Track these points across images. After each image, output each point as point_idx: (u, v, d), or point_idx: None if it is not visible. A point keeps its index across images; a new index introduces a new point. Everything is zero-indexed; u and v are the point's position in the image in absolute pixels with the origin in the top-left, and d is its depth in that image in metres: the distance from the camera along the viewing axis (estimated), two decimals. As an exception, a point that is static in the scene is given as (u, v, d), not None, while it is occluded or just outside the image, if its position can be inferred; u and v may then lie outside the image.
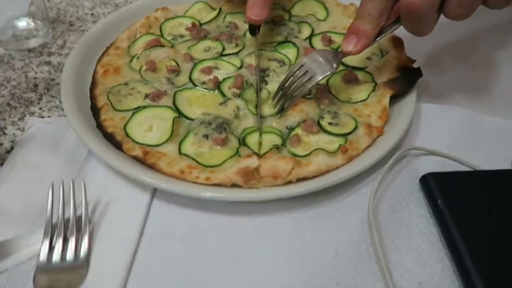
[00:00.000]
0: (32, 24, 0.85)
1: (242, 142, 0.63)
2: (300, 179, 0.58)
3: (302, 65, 0.65)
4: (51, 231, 0.52)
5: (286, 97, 0.66)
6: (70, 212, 0.53)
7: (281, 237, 0.54)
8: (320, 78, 0.64)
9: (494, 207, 0.56)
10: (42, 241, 0.52)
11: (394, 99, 0.69)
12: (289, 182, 0.57)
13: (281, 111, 0.66)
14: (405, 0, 0.57)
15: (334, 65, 0.65)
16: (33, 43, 0.84)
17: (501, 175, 0.60)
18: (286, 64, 0.76)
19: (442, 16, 0.60)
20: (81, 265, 0.51)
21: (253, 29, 0.77)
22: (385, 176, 0.60)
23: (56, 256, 0.51)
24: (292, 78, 0.65)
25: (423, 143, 0.65)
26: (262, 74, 0.73)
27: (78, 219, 0.54)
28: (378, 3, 0.61)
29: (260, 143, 0.63)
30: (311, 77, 0.64)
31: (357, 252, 0.53)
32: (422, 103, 0.71)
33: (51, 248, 0.51)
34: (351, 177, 0.58)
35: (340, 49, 0.66)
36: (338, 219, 0.56)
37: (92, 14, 0.93)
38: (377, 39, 0.65)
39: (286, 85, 0.66)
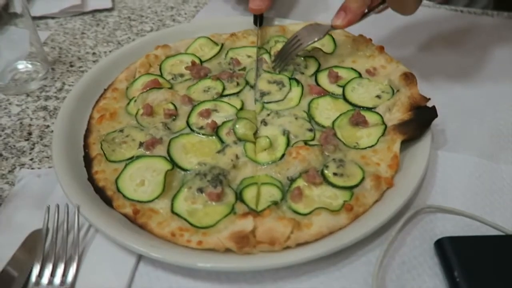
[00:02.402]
0: (31, 66, 0.82)
1: (239, 196, 0.57)
2: (300, 244, 0.50)
3: (296, 36, 0.75)
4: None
5: (283, 59, 0.75)
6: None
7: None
8: (307, 44, 0.73)
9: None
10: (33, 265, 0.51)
11: (406, 143, 0.61)
12: (287, 247, 0.50)
13: (280, 69, 0.75)
14: None
15: (321, 36, 0.73)
16: (33, 86, 0.81)
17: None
18: (285, 86, 0.72)
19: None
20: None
21: (256, 19, 0.84)
22: (394, 239, 0.52)
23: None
24: (287, 46, 0.75)
25: (438, 198, 0.57)
26: (262, 96, 0.71)
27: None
28: None
29: (257, 197, 0.56)
30: (301, 43, 0.74)
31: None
32: (437, 150, 0.63)
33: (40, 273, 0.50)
34: (355, 242, 0.50)
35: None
36: (338, 292, 0.49)
37: (93, 53, 0.89)
38: (364, 17, 0.71)
39: (283, 51, 0.76)
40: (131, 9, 1.04)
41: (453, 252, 0.49)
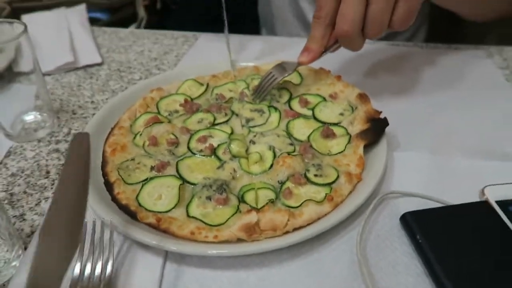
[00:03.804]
0: (39, 116, 0.92)
1: (241, 199, 0.69)
2: (296, 229, 0.63)
3: (270, 73, 0.90)
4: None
5: (261, 92, 0.89)
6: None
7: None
8: (281, 78, 0.88)
9: (468, 236, 0.62)
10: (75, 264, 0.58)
11: (368, 147, 0.76)
12: (287, 232, 0.62)
13: (259, 100, 0.89)
14: (337, 28, 0.79)
15: (290, 71, 0.89)
16: (41, 133, 0.90)
17: (471, 207, 0.66)
18: (265, 112, 0.87)
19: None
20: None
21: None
22: (368, 218, 0.66)
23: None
24: (264, 81, 0.89)
25: (398, 186, 0.72)
26: (247, 122, 0.85)
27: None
28: (321, 30, 0.82)
29: (256, 199, 0.68)
30: (276, 78, 0.88)
31: (351, 290, 0.57)
32: (393, 152, 0.79)
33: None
34: (339, 222, 0.63)
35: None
36: (330, 263, 0.61)
37: (92, 102, 1.01)
38: (323, 54, 0.86)
39: (261, 86, 0.90)
40: (119, 62, 1.17)
41: (414, 222, 0.63)
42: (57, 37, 1.21)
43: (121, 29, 1.35)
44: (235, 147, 0.76)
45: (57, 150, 0.86)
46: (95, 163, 0.78)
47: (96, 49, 1.20)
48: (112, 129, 0.86)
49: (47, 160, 0.84)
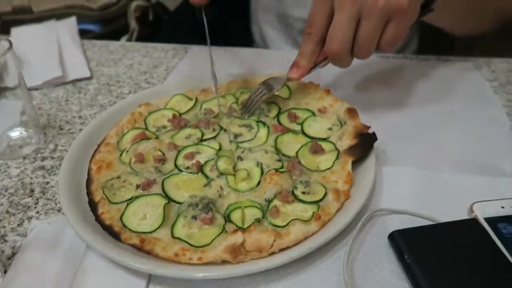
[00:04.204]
0: (25, 132, 0.90)
1: (227, 218, 0.67)
2: (282, 249, 0.61)
3: (259, 88, 0.89)
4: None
5: (250, 107, 0.88)
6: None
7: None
8: (270, 93, 0.88)
9: (457, 254, 0.60)
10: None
11: (356, 163, 0.75)
12: (273, 253, 0.61)
13: (248, 115, 0.88)
14: (327, 47, 0.79)
15: (279, 87, 0.88)
16: (27, 150, 0.89)
17: (459, 224, 0.64)
18: (254, 127, 0.85)
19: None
20: None
21: (200, 16, 0.80)
22: (356, 237, 0.64)
23: None
24: (253, 96, 0.88)
25: (387, 203, 0.71)
26: (235, 138, 0.84)
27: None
28: (311, 47, 0.82)
29: (243, 218, 0.67)
30: (265, 93, 0.88)
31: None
32: (382, 167, 0.78)
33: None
34: (326, 242, 0.62)
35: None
36: (317, 284, 0.60)
37: (80, 117, 0.99)
38: (312, 70, 0.86)
39: (250, 100, 0.89)
40: (108, 76, 1.16)
41: (402, 241, 0.62)
42: (46, 51, 1.19)
43: (111, 41, 1.34)
44: (222, 164, 0.75)
45: (42, 167, 0.85)
46: (81, 181, 0.77)
47: (85, 62, 1.19)
48: (99, 145, 0.84)
49: (31, 178, 0.83)
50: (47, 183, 0.81)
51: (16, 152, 0.88)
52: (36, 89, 1.10)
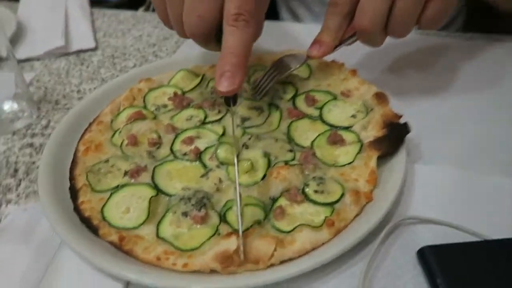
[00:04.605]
0: (17, 106, 0.82)
1: (223, 217, 0.57)
2: (284, 261, 0.50)
3: (275, 66, 0.77)
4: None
5: (262, 87, 0.75)
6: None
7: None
8: (287, 72, 0.75)
9: (506, 282, 0.47)
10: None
11: (383, 159, 0.63)
12: (272, 265, 0.50)
13: (260, 97, 0.76)
14: (356, 22, 0.67)
15: (297, 65, 0.76)
16: (18, 125, 0.81)
17: (510, 244, 0.51)
18: (265, 111, 0.73)
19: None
20: None
21: (228, 99, 0.63)
22: (376, 251, 0.52)
23: None
24: (267, 75, 0.76)
25: (418, 210, 0.58)
26: (243, 122, 0.72)
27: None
28: (337, 20, 0.69)
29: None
30: (281, 71, 0.75)
31: None
32: (414, 164, 0.64)
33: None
34: (338, 255, 0.50)
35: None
36: (325, 307, 0.48)
37: (78, 91, 0.91)
38: (336, 48, 0.72)
39: (263, 80, 0.76)
40: (114, 47, 1.06)
41: (434, 260, 0.49)
42: (51, 20, 1.11)
43: (122, 11, 1.24)
44: (222, 152, 0.64)
45: (30, 145, 0.77)
46: (66, 163, 0.68)
47: (92, 33, 1.09)
48: (91, 124, 0.75)
49: (18, 156, 0.75)
50: (33, 163, 0.73)
51: (7, 126, 0.80)
52: (37, 59, 1.02)
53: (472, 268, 0.49)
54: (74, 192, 0.62)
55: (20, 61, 0.97)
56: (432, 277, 0.48)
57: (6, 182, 0.69)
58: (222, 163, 0.64)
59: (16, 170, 0.72)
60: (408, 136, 0.65)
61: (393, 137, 0.64)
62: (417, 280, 0.50)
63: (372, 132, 0.66)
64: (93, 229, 0.57)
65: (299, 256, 0.51)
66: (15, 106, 0.83)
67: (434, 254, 0.50)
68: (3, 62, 0.79)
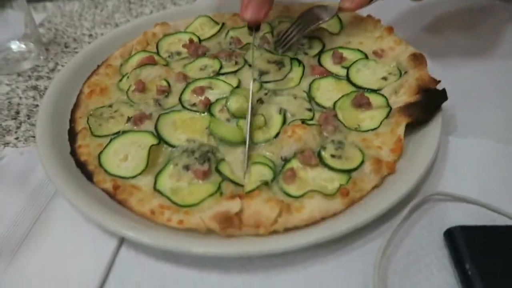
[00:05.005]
0: (24, 46, 0.78)
1: (215, 169, 0.51)
2: (289, 229, 0.44)
3: (302, 17, 0.70)
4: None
5: (287, 40, 0.69)
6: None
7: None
8: (315, 24, 0.68)
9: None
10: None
11: (412, 128, 0.55)
12: (275, 232, 0.44)
13: (283, 50, 0.69)
14: None
15: (327, 18, 0.67)
16: (25, 65, 0.77)
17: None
18: (286, 66, 0.66)
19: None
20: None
21: (251, 27, 0.67)
22: (398, 228, 0.46)
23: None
24: (293, 27, 0.69)
25: (449, 185, 0.51)
26: (260, 76, 0.65)
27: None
28: None
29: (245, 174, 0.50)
30: (308, 24, 0.68)
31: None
32: (447, 136, 0.57)
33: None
34: (352, 230, 0.44)
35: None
36: (334, 284, 0.43)
37: (90, 35, 0.85)
38: (372, 1, 0.65)
39: (288, 32, 0.69)
40: (134, -9, 0.99)
41: (464, 243, 0.43)
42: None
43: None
44: (234, 103, 0.58)
45: (35, 88, 0.72)
46: (69, 105, 0.63)
47: (111, -26, 1.02)
48: (99, 67, 0.70)
49: (20, 98, 0.71)
50: (36, 106, 0.69)
51: (12, 66, 0.76)
52: (51, 0, 0.96)
53: (506, 255, 0.42)
54: (72, 135, 0.58)
55: (33, 1, 0.92)
56: (459, 261, 0.42)
57: (6, 124, 0.66)
58: (234, 115, 0.58)
59: (17, 112, 0.68)
60: (444, 104, 0.57)
61: (428, 104, 0.56)
62: (442, 263, 0.43)
63: (403, 97, 0.59)
64: (88, 175, 0.52)
65: (306, 225, 0.45)
66: (23, 46, 0.78)
67: (464, 236, 0.43)
68: (14, 1, 0.74)
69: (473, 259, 0.41)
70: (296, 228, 0.44)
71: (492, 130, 0.58)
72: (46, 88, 0.72)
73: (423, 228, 0.46)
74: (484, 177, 0.52)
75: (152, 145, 0.53)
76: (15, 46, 0.78)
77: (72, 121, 0.60)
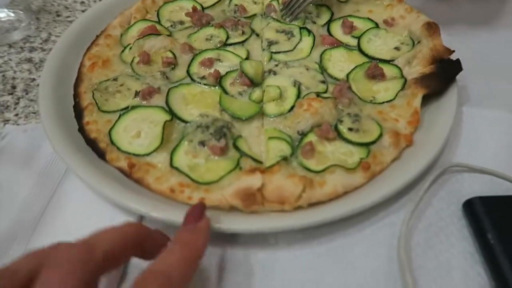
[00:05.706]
0: (13, 14, 0.73)
1: (233, 146, 0.50)
2: (312, 204, 0.44)
3: None
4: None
5: (294, 8, 0.66)
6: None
7: (288, 281, 0.42)
8: None
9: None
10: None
11: (428, 99, 0.55)
12: (299, 207, 0.44)
13: (290, 19, 0.67)
14: None
15: None
16: (15, 36, 0.72)
17: None
18: (295, 35, 0.64)
19: None
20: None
21: None
22: (419, 200, 0.46)
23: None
24: None
25: (466, 157, 0.51)
26: (269, 46, 0.63)
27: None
28: None
29: (266, 152, 0.49)
30: None
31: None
32: (462, 107, 0.56)
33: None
34: (376, 203, 0.44)
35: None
36: (359, 257, 0.43)
37: (82, 2, 0.81)
38: None
39: (294, 0, 0.67)
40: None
41: (485, 213, 0.43)
42: None
43: None
44: (250, 67, 0.56)
45: (29, 60, 0.69)
46: (70, 79, 0.60)
47: None
48: (98, 37, 0.66)
49: (15, 71, 0.67)
50: (33, 80, 0.65)
51: (2, 37, 0.72)
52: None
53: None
54: (78, 111, 0.55)
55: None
56: (480, 231, 0.43)
57: (3, 99, 0.62)
58: (252, 81, 0.56)
59: (13, 87, 0.64)
60: (459, 75, 0.56)
61: (443, 74, 0.56)
62: (462, 234, 0.44)
63: (417, 68, 0.58)
64: (100, 153, 0.50)
65: (330, 200, 0.45)
66: (12, 14, 0.74)
67: (483, 206, 0.44)
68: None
69: (495, 228, 0.42)
70: (319, 203, 0.44)
71: (506, 100, 0.58)
72: (41, 61, 0.68)
73: (442, 200, 0.47)
74: (498, 147, 0.52)
75: (166, 121, 0.51)
76: (3, 14, 0.73)
77: (76, 96, 0.57)
